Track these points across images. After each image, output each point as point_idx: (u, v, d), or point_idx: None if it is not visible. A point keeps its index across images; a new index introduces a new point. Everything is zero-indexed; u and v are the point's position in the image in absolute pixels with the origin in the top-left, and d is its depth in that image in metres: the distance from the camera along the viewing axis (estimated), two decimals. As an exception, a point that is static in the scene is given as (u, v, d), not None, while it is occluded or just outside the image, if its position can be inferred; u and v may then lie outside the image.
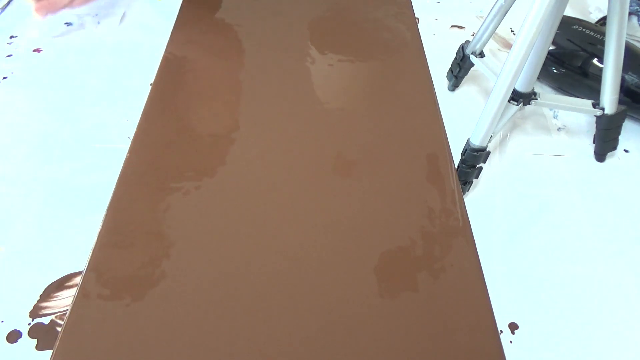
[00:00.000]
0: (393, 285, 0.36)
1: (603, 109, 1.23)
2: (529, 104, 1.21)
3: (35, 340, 0.95)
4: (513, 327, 1.00)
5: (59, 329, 0.91)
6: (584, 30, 1.44)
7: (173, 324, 0.34)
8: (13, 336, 0.95)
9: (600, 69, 1.23)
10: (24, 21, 1.76)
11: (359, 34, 0.56)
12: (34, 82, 1.52)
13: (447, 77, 1.54)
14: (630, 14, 1.70)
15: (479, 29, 1.35)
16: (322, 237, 0.39)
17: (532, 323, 1.00)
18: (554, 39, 1.09)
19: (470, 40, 1.40)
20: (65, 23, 1.76)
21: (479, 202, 1.23)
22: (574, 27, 1.45)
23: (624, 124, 1.29)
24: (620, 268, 1.10)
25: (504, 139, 1.38)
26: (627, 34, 1.13)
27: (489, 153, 1.17)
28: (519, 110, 1.21)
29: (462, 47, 1.42)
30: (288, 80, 0.50)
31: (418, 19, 1.82)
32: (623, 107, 1.24)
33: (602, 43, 1.20)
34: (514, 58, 1.05)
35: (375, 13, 0.59)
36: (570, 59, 1.44)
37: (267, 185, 0.42)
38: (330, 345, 0.33)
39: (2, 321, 0.97)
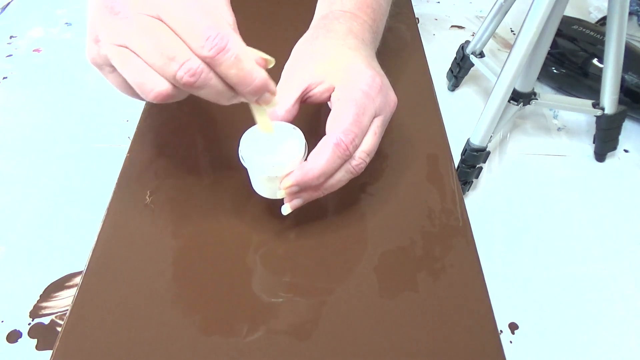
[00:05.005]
0: (393, 285, 0.36)
1: (603, 109, 1.23)
2: (529, 104, 1.21)
3: (35, 340, 0.95)
4: (513, 327, 1.00)
5: (59, 329, 0.91)
6: (584, 30, 1.44)
7: (173, 323, 0.34)
8: (13, 336, 0.95)
9: (600, 69, 1.23)
10: (24, 21, 1.76)
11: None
12: (34, 82, 1.52)
13: (447, 77, 1.54)
14: (630, 14, 1.70)
15: (479, 29, 1.35)
16: (321, 237, 0.39)
17: (532, 323, 1.00)
18: (554, 39, 1.09)
19: (470, 40, 1.40)
20: (66, 23, 1.76)
21: (479, 202, 1.23)
22: (574, 27, 1.45)
23: (624, 124, 1.30)
24: (620, 268, 1.10)
25: (504, 139, 1.38)
26: (627, 34, 1.13)
27: (489, 153, 1.17)
28: (519, 110, 1.21)
29: (462, 47, 1.42)
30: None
31: (418, 19, 1.82)
32: (623, 107, 1.24)
33: (602, 43, 1.20)
34: (514, 58, 1.05)
35: (375, 13, 0.59)
36: (570, 59, 1.44)
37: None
38: (330, 344, 0.33)
39: (2, 321, 0.97)
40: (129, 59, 0.28)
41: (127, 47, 0.28)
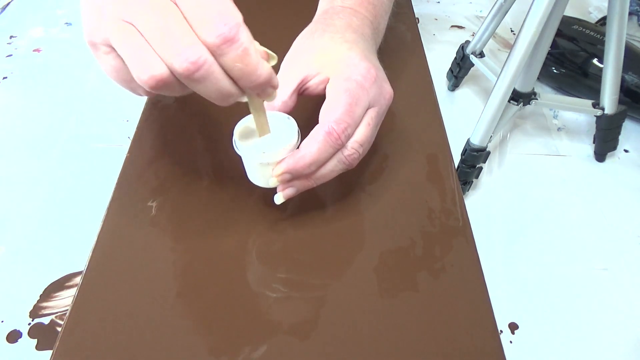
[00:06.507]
0: (393, 285, 0.36)
1: (603, 109, 1.23)
2: (529, 104, 1.21)
3: (35, 340, 0.95)
4: (513, 327, 1.00)
5: (59, 329, 0.91)
6: (584, 30, 1.44)
7: (173, 323, 0.34)
8: (13, 336, 0.95)
9: (600, 69, 1.23)
10: (24, 21, 1.76)
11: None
12: (34, 82, 1.52)
13: (447, 77, 1.54)
14: (630, 14, 1.70)
15: (479, 29, 1.35)
16: (321, 237, 0.39)
17: (532, 323, 1.00)
18: (554, 39, 1.09)
19: (470, 40, 1.40)
20: (66, 23, 1.76)
21: (479, 202, 1.23)
22: (574, 27, 1.45)
23: (624, 124, 1.30)
24: (620, 268, 1.10)
25: (504, 139, 1.38)
26: (627, 34, 1.13)
27: (489, 153, 1.17)
28: (519, 110, 1.21)
29: (462, 47, 1.42)
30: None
31: (418, 19, 1.82)
32: (623, 107, 1.24)
33: (602, 43, 1.20)
34: (514, 58, 1.05)
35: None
36: (570, 59, 1.44)
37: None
38: (330, 344, 0.33)
39: (2, 321, 0.97)
40: (131, 36, 0.27)
41: (132, 24, 0.27)
